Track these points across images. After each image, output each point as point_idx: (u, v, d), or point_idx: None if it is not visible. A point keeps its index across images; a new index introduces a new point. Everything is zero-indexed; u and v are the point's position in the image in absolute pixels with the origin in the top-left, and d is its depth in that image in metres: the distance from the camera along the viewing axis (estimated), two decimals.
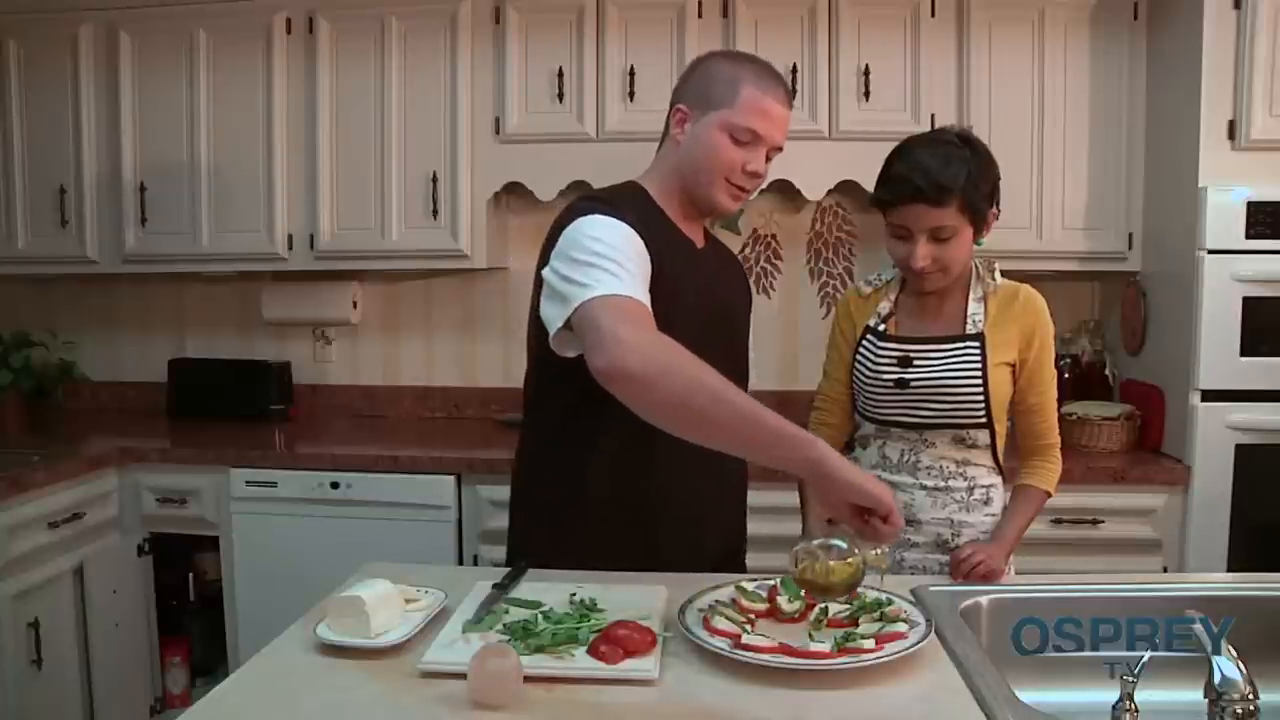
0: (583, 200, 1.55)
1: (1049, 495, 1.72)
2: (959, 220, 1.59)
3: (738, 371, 1.72)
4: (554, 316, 1.41)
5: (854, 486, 1.23)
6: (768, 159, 1.59)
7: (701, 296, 1.60)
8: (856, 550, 1.27)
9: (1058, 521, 2.48)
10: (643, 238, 1.48)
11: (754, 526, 1.80)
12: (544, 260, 1.50)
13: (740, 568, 1.70)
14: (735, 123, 1.53)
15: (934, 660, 1.22)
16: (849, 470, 1.24)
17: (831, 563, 1.26)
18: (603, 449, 1.53)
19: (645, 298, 1.40)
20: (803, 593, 1.31)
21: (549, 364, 1.50)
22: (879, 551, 1.29)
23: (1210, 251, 2.45)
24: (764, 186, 2.77)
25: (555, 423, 1.61)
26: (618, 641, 1.18)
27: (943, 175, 1.57)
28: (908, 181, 1.59)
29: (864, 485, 1.23)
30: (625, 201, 1.55)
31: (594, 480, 1.58)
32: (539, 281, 1.49)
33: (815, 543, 1.27)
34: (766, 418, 1.26)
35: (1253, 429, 2.47)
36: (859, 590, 1.34)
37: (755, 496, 1.86)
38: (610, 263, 1.39)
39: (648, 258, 1.47)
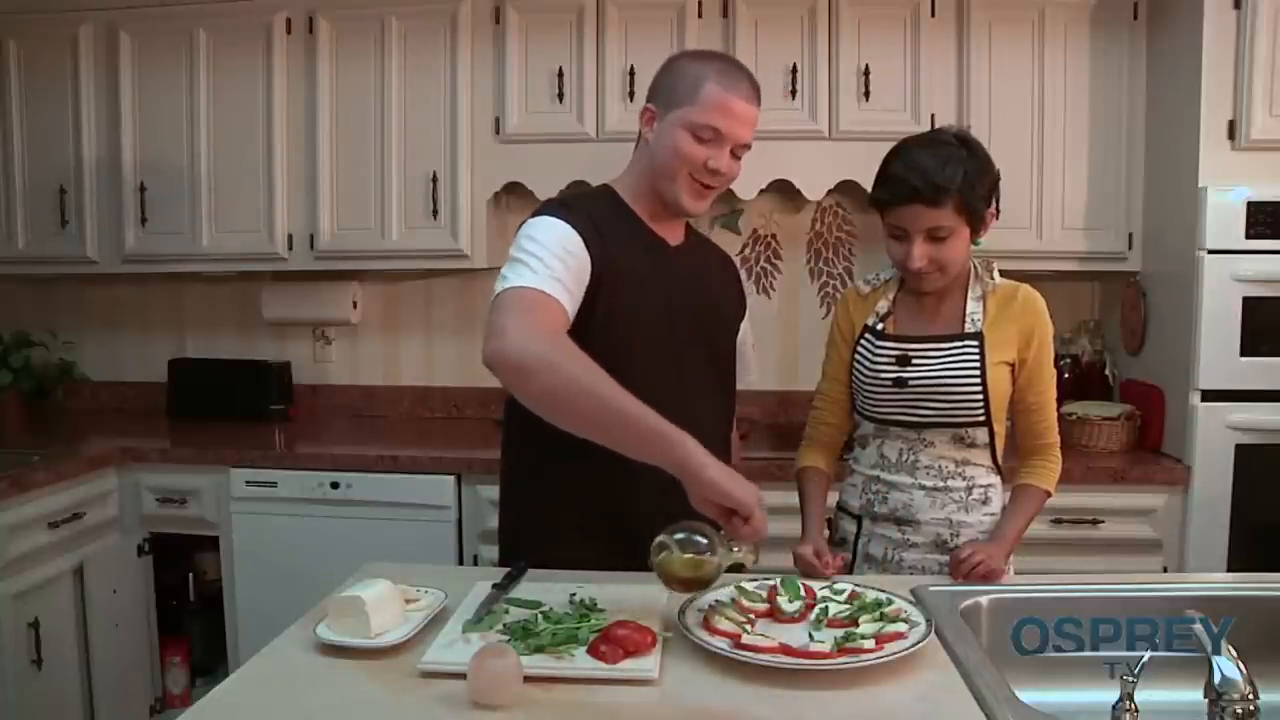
0: (544, 203, 1.60)
1: (1049, 495, 1.71)
2: (956, 220, 1.59)
3: (720, 374, 1.73)
4: None
5: (716, 487, 1.25)
6: (735, 156, 1.59)
7: (671, 295, 1.62)
8: (717, 548, 1.28)
9: (1058, 521, 2.48)
10: (596, 236, 1.52)
11: None
12: None
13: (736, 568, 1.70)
14: (696, 120, 1.55)
15: (934, 660, 1.22)
16: (713, 470, 1.26)
17: (684, 556, 1.27)
18: (575, 451, 1.50)
19: (562, 293, 1.44)
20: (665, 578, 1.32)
21: None
22: (742, 550, 1.31)
23: (1210, 251, 2.45)
24: (763, 186, 2.79)
25: (528, 426, 1.61)
26: (618, 641, 1.19)
27: (939, 176, 1.57)
28: (904, 182, 1.59)
29: (725, 487, 1.25)
30: (584, 202, 1.59)
31: (570, 483, 1.59)
32: None
33: (678, 535, 1.28)
34: (638, 415, 1.28)
35: (1253, 429, 2.47)
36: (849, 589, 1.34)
37: None
38: (531, 258, 1.45)
39: (583, 257, 1.50)
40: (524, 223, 1.55)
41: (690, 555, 1.27)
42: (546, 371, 1.32)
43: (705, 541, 1.28)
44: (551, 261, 1.45)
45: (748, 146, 1.60)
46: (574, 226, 1.51)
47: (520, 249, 1.48)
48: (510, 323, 1.36)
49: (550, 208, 1.56)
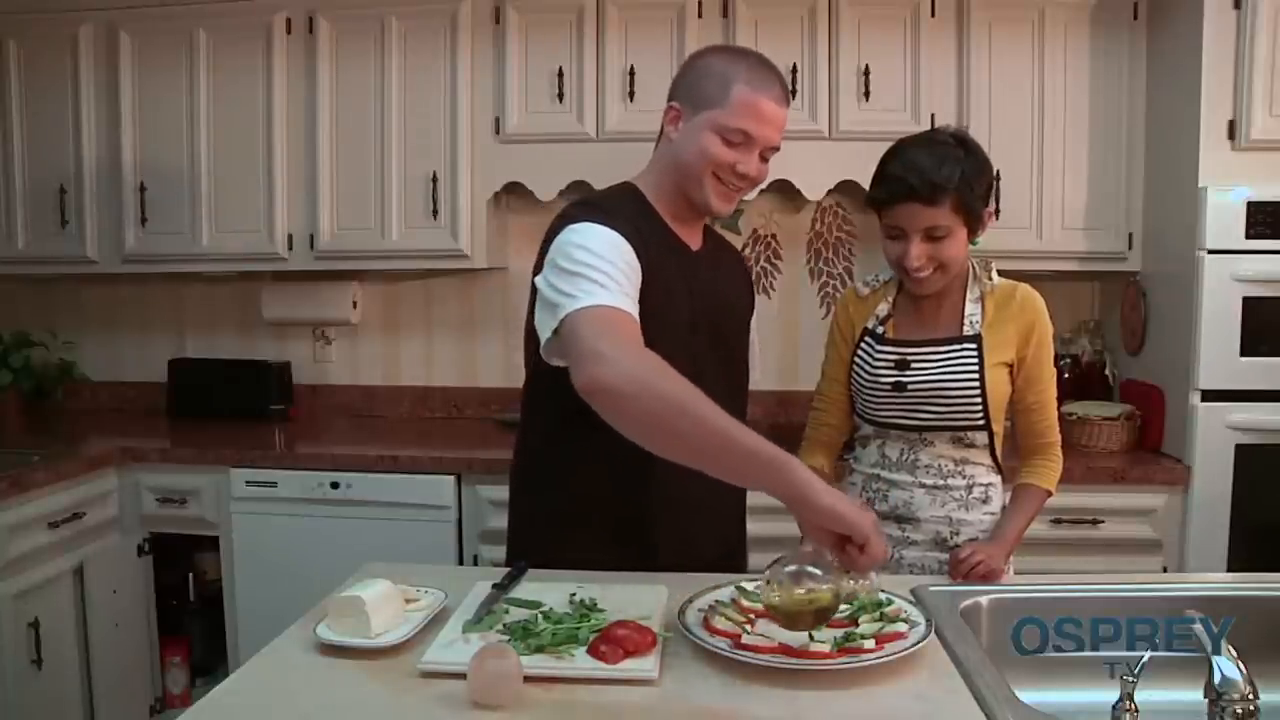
0: (575, 206, 1.55)
1: (1049, 494, 1.72)
2: (953, 220, 1.59)
3: (735, 374, 1.72)
4: (544, 326, 1.42)
5: (830, 512, 1.18)
6: (764, 159, 1.57)
7: (694, 300, 1.60)
8: (830, 580, 1.20)
9: (1058, 521, 2.48)
10: (641, 244, 1.48)
11: (754, 527, 1.80)
12: (539, 267, 1.51)
13: (739, 569, 1.69)
14: (726, 123, 1.51)
15: (934, 660, 1.22)
16: (827, 495, 1.19)
17: (800, 591, 1.20)
18: (596, 455, 1.50)
19: (633, 307, 1.40)
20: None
21: (543, 370, 1.49)
22: (860, 582, 1.24)
23: (1210, 251, 2.45)
24: (764, 186, 2.78)
25: (550, 428, 1.61)
26: (618, 641, 1.18)
27: (936, 174, 1.57)
28: (902, 181, 1.59)
29: (840, 511, 1.18)
30: (617, 206, 1.55)
31: (588, 486, 1.58)
32: (535, 288, 1.49)
33: (789, 568, 1.21)
34: (744, 439, 1.22)
35: (1253, 429, 2.47)
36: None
37: (756, 496, 1.86)
38: (598, 273, 1.39)
39: (638, 266, 1.46)
40: (563, 229, 1.48)
41: (807, 590, 1.19)
42: (647, 396, 1.25)
43: (819, 573, 1.20)
44: (617, 275, 1.40)
45: (777, 148, 1.57)
46: (624, 235, 1.46)
47: (577, 261, 1.40)
48: (603, 346, 1.29)
49: (589, 212, 1.50)
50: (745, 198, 2.89)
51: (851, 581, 1.23)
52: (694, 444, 1.24)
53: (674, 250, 1.60)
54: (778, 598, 1.21)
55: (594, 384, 1.28)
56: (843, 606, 1.35)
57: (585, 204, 1.56)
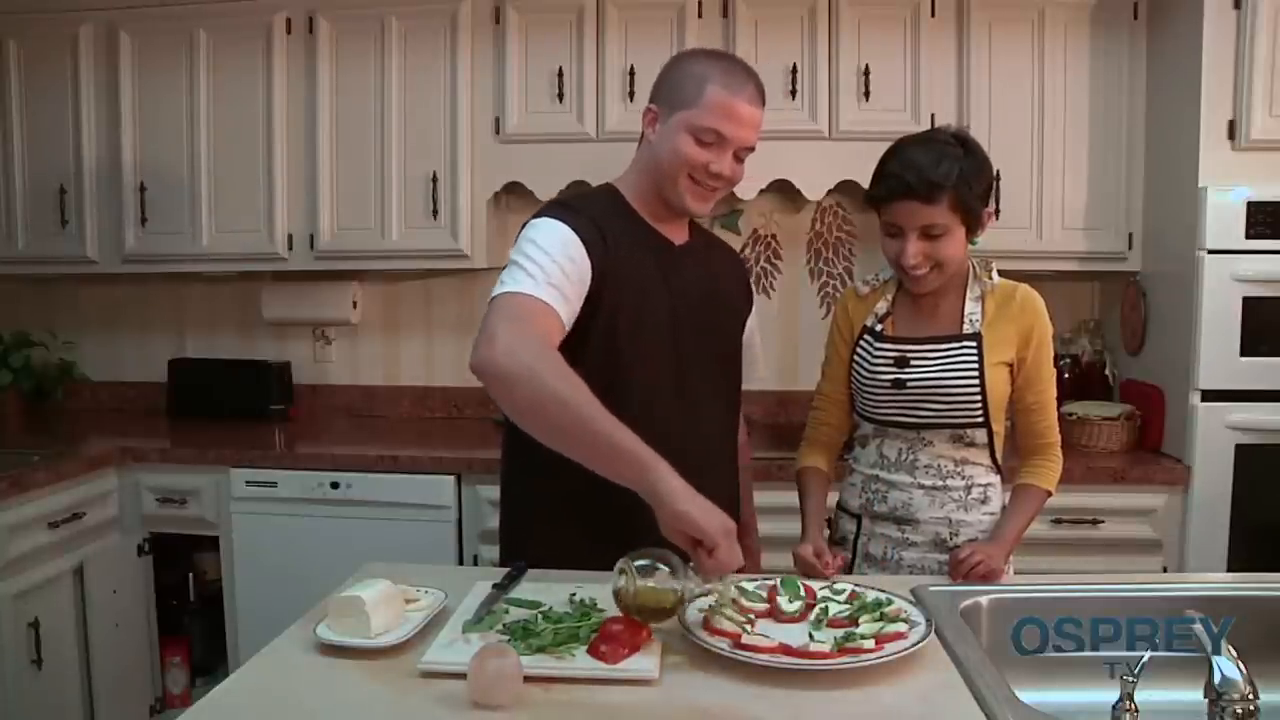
0: (546, 204, 1.59)
1: (1049, 494, 1.71)
2: (950, 219, 1.59)
3: (729, 372, 1.72)
4: None
5: (684, 517, 1.23)
6: (738, 159, 1.58)
7: (676, 296, 1.61)
8: (679, 579, 1.23)
9: (1058, 521, 2.48)
10: (599, 240, 1.50)
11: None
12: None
13: None
14: (698, 123, 1.53)
15: (934, 660, 1.22)
16: (681, 498, 1.24)
17: (642, 584, 1.22)
18: None
19: (558, 300, 1.43)
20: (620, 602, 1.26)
21: None
22: (711, 584, 1.26)
23: (1210, 251, 2.45)
24: (763, 186, 2.79)
25: None
26: (615, 638, 1.18)
27: (934, 173, 1.57)
28: (900, 179, 1.59)
29: (692, 517, 1.23)
30: (588, 205, 1.58)
31: (574, 484, 1.56)
32: None
33: (640, 563, 1.24)
34: (614, 436, 1.28)
35: (1253, 429, 2.47)
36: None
37: (757, 498, 1.86)
38: (530, 262, 1.43)
39: (585, 264, 1.48)
40: (526, 223, 1.54)
41: (651, 585, 1.22)
42: (529, 383, 1.31)
43: (668, 570, 1.23)
44: (550, 267, 1.43)
45: (751, 148, 1.59)
46: (576, 231, 1.49)
47: (520, 252, 1.46)
48: (501, 331, 1.34)
49: (553, 210, 1.54)
50: (743, 198, 2.91)
51: (699, 583, 1.26)
52: (568, 435, 1.31)
53: (652, 247, 1.62)
54: (620, 586, 1.23)
55: (482, 364, 1.33)
56: (843, 606, 1.35)
57: (554, 203, 1.60)
